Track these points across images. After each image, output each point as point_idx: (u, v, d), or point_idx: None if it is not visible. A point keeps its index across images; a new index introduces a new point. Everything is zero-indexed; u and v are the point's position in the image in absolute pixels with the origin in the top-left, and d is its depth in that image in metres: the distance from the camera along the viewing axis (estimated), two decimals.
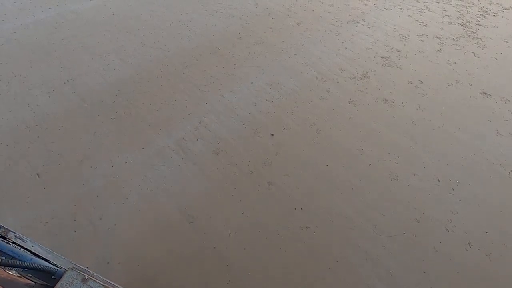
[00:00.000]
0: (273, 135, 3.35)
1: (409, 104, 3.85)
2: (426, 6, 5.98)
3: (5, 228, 0.85)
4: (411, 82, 4.18)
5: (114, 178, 2.83)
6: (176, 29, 4.82)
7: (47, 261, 0.83)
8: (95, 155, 2.99)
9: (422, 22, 5.49)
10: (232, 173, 2.96)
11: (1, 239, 0.82)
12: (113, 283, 0.83)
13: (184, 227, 2.55)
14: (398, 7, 5.93)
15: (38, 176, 2.79)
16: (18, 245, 0.83)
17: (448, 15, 5.72)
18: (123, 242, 2.43)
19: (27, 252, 0.83)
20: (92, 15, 4.95)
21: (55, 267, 0.81)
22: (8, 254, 0.80)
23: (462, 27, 5.43)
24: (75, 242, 2.40)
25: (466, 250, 2.56)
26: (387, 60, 4.55)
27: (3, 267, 0.71)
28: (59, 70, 3.89)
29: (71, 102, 3.50)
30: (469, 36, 5.20)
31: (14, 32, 4.40)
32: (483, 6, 6.11)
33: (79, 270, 0.76)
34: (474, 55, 4.78)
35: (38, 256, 0.83)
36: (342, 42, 4.86)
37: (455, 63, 4.58)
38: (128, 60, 4.15)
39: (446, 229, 2.68)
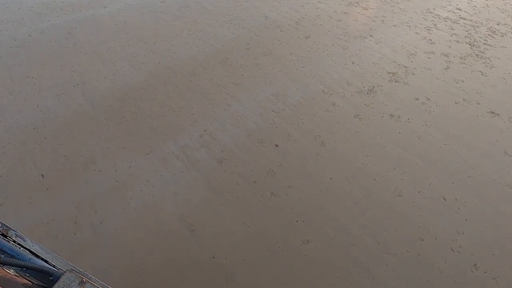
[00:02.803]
0: (277, 146, 3.34)
1: (415, 120, 3.83)
2: (434, 25, 6.03)
3: (6, 226, 0.85)
4: (417, 99, 4.17)
5: (117, 182, 2.83)
6: (186, 38, 4.91)
7: (46, 261, 0.82)
8: (100, 158, 3.01)
9: (430, 40, 5.53)
10: (235, 182, 2.95)
11: (1, 237, 0.82)
12: None
13: (184, 235, 2.52)
14: (406, 24, 5.99)
15: (42, 177, 2.81)
16: (18, 244, 0.83)
17: (456, 34, 5.75)
18: (122, 247, 2.41)
19: (26, 251, 0.83)
20: (105, 22, 5.07)
21: (53, 268, 0.80)
22: (7, 253, 0.79)
23: (470, 46, 5.44)
24: (75, 245, 2.39)
25: (472, 272, 2.49)
26: (394, 76, 4.56)
27: (1, 265, 0.70)
28: (70, 73, 3.96)
29: (79, 106, 3.55)
30: (477, 55, 5.21)
31: (30, 36, 4.52)
32: (491, 26, 6.14)
33: (77, 272, 0.75)
34: (482, 74, 4.77)
35: (37, 256, 0.82)
36: (350, 57, 4.90)
37: (462, 81, 4.58)
38: (137, 66, 4.22)
39: (452, 249, 2.61)
